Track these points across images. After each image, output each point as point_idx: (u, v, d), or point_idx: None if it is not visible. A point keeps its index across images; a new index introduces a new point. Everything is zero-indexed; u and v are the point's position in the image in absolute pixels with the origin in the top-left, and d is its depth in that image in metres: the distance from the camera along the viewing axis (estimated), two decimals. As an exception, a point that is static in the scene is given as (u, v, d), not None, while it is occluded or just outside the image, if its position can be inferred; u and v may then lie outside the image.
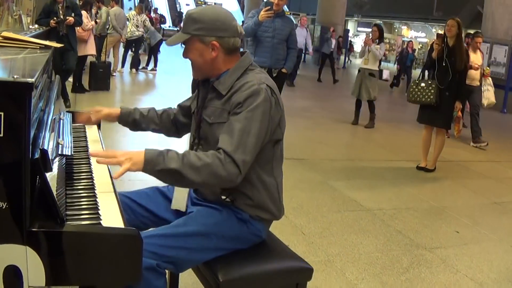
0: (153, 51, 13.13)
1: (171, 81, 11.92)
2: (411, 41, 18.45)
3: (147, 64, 13.12)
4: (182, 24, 1.99)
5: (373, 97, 8.31)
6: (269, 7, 5.38)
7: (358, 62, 19.43)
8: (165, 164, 1.71)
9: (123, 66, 12.39)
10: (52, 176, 1.46)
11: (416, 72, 18.55)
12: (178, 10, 34.12)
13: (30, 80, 1.27)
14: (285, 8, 5.51)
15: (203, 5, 2.04)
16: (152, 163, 1.71)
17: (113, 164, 1.77)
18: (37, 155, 1.29)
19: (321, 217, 4.09)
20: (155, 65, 13.12)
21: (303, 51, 15.86)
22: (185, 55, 1.99)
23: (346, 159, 6.36)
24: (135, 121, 2.27)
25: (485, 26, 13.56)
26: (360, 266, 3.29)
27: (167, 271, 1.89)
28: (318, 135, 7.48)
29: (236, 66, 1.97)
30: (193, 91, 3.37)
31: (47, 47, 2.30)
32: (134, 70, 12.48)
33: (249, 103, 1.84)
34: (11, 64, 1.78)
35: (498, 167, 6.77)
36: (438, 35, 5.84)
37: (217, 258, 1.95)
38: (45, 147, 1.37)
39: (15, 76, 1.27)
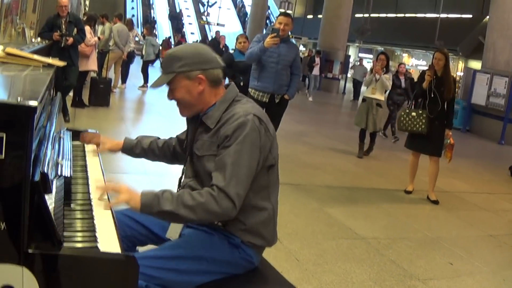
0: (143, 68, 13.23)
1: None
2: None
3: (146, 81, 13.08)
4: (162, 66, 2.02)
5: (379, 128, 8.22)
6: (275, 33, 5.36)
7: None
8: (160, 207, 1.80)
9: (124, 82, 12.42)
10: (50, 195, 1.47)
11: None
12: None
13: (33, 103, 1.28)
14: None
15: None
16: (149, 207, 1.81)
17: (112, 190, 1.88)
18: (37, 178, 1.30)
19: (315, 244, 4.08)
20: (145, 81, 13.01)
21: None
22: (171, 96, 2.02)
23: (343, 186, 6.35)
24: (137, 154, 2.44)
25: (486, 56, 13.68)
26: (353, 295, 3.28)
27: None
28: (315, 161, 7.48)
29: (223, 99, 2.02)
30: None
31: (50, 65, 2.31)
32: (123, 85, 12.42)
33: (237, 135, 1.88)
34: (14, 83, 1.80)
35: (494, 199, 6.78)
36: (430, 66, 5.94)
37: (209, 283, 1.96)
38: (45, 167, 1.37)
39: (19, 99, 1.27)
